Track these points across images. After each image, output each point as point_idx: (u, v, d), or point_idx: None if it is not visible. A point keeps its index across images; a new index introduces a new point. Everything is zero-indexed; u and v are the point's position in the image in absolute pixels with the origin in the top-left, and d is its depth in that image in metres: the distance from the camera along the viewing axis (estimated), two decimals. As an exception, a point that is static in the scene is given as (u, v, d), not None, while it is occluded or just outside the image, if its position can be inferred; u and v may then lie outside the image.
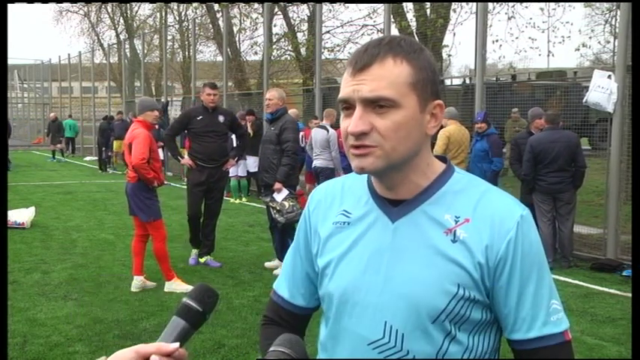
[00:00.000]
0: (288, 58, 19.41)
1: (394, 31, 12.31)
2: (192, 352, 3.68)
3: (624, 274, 6.76)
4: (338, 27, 16.99)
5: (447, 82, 15.05)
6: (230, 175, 12.55)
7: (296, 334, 1.38)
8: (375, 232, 1.27)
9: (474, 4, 9.61)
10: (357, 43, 16.61)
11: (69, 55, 29.05)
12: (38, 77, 37.15)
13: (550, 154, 7.07)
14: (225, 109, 7.58)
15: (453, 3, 13.10)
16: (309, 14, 17.64)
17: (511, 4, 12.90)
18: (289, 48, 19.08)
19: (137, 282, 6.07)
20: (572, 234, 7.35)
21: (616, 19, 10.94)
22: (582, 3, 13.44)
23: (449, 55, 13.73)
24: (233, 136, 11.95)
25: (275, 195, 6.52)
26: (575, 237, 7.62)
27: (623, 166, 7.27)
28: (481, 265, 1.19)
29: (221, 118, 7.00)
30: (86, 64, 28.78)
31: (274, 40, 18.40)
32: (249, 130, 11.69)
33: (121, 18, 32.33)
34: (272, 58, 16.72)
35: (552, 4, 12.59)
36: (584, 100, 7.43)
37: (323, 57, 13.01)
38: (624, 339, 4.83)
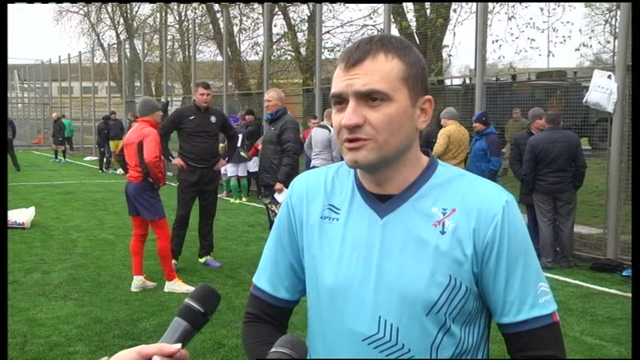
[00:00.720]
0: (288, 58, 19.43)
1: (394, 31, 12.31)
2: (192, 352, 3.67)
3: (624, 274, 6.76)
4: (338, 27, 17.02)
5: (447, 82, 15.06)
6: (230, 174, 12.58)
7: (280, 329, 1.41)
8: (363, 229, 1.28)
9: (474, 4, 9.61)
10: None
11: (69, 55, 29.06)
12: (38, 77, 37.14)
13: (550, 154, 7.07)
14: (216, 109, 7.48)
15: (453, 3, 13.11)
16: (309, 14, 17.65)
17: (511, 4, 12.91)
18: (289, 48, 19.09)
19: (137, 282, 6.07)
20: (572, 234, 7.35)
21: (616, 19, 10.94)
22: (582, 3, 13.42)
23: (449, 55, 13.76)
24: (240, 136, 12.01)
25: (276, 195, 6.52)
26: (575, 237, 7.61)
27: (623, 166, 7.27)
28: (470, 253, 1.21)
29: (213, 119, 6.95)
30: (86, 64, 28.77)
31: (274, 40, 18.41)
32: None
33: (121, 18, 32.36)
34: (272, 58, 16.73)
35: (552, 4, 12.59)
36: (584, 100, 7.43)
37: (323, 57, 13.00)
38: (624, 339, 4.83)
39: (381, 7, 12.09)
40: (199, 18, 21.79)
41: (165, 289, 6.03)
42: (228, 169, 12.52)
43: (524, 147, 7.39)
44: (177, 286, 6.07)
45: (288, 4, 18.04)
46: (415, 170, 1.29)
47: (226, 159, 7.56)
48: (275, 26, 18.81)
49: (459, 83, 15.87)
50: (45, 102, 35.80)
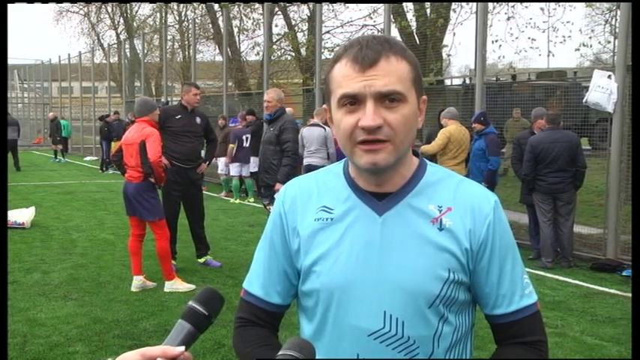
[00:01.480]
0: (288, 58, 19.42)
1: (394, 31, 12.32)
2: (192, 352, 3.67)
3: (624, 274, 6.76)
4: (338, 27, 17.02)
5: (447, 82, 15.05)
6: (233, 174, 12.54)
7: (273, 332, 1.43)
8: (362, 227, 1.30)
9: (474, 4, 9.61)
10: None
11: (69, 55, 29.05)
12: (38, 77, 37.12)
13: (550, 154, 7.07)
14: (201, 111, 7.41)
15: (453, 3, 13.10)
16: (309, 14, 17.65)
17: (511, 4, 12.90)
18: (289, 48, 19.09)
19: (137, 282, 6.07)
20: (572, 234, 7.35)
21: (616, 19, 10.94)
22: (583, 3, 13.41)
23: (449, 55, 13.75)
24: (245, 137, 11.99)
25: (276, 196, 6.51)
26: (575, 237, 7.62)
27: (623, 166, 7.27)
28: (467, 250, 1.28)
29: (198, 120, 6.94)
30: (86, 64, 28.76)
31: (274, 40, 18.41)
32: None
33: (121, 18, 32.35)
34: (272, 58, 16.72)
35: (552, 4, 12.58)
36: (584, 100, 7.43)
37: (323, 57, 12.99)
38: (624, 339, 4.83)
39: (381, 7, 12.09)
40: (199, 18, 21.80)
41: (166, 289, 6.03)
42: (231, 169, 12.48)
43: (525, 147, 7.38)
44: (178, 285, 6.08)
45: (288, 4, 18.05)
46: (410, 168, 1.34)
47: (207, 162, 7.49)
48: (275, 26, 18.82)
49: (459, 83, 15.86)
50: (45, 102, 35.79)
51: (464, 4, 12.87)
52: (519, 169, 7.57)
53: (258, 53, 18.18)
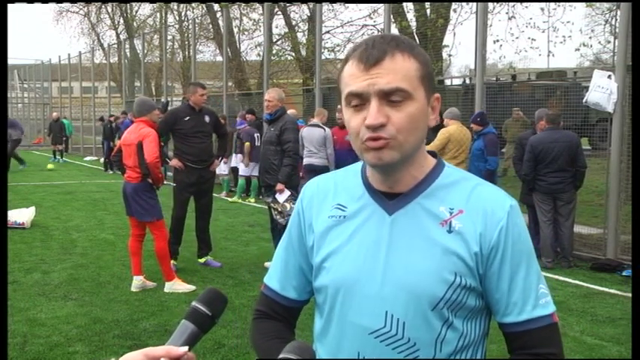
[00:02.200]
0: (288, 58, 19.41)
1: (394, 32, 12.31)
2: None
3: (624, 274, 6.76)
4: (338, 27, 17.00)
5: (447, 82, 15.06)
6: (242, 174, 12.50)
7: (288, 327, 1.45)
8: (372, 225, 1.31)
9: (474, 4, 9.61)
10: (357, 43, 16.59)
11: (69, 55, 29.05)
12: (38, 77, 37.12)
13: (550, 154, 7.07)
14: (209, 108, 7.41)
15: (453, 3, 13.10)
16: (309, 14, 17.64)
17: (511, 4, 12.90)
18: (289, 48, 19.08)
19: (137, 282, 6.07)
20: (572, 234, 7.34)
21: (616, 19, 10.94)
22: (583, 3, 13.41)
23: (449, 55, 13.74)
24: (256, 135, 11.97)
25: (277, 196, 6.51)
26: (575, 237, 7.61)
27: (623, 166, 7.27)
28: (476, 254, 1.26)
29: (207, 119, 6.93)
30: (86, 64, 28.76)
31: (274, 40, 18.40)
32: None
33: (121, 18, 32.31)
34: (272, 58, 16.72)
35: (553, 4, 12.58)
36: (584, 100, 7.43)
37: (323, 57, 13.00)
38: (624, 339, 4.83)
39: (381, 7, 12.09)
40: (199, 18, 21.79)
41: (166, 290, 6.02)
42: (240, 168, 12.42)
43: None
44: (177, 285, 6.07)
45: (288, 4, 18.03)
46: (423, 169, 1.32)
47: (220, 159, 7.50)
48: (276, 27, 18.81)
49: (459, 83, 15.87)
50: (45, 102, 35.79)
51: (464, 4, 12.87)
52: (520, 168, 7.57)
53: (258, 54, 18.20)
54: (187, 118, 6.81)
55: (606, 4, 14.32)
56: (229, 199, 12.65)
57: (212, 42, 21.23)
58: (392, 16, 11.33)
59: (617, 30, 8.29)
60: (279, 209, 6.47)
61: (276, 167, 6.55)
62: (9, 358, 4.34)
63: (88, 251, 7.87)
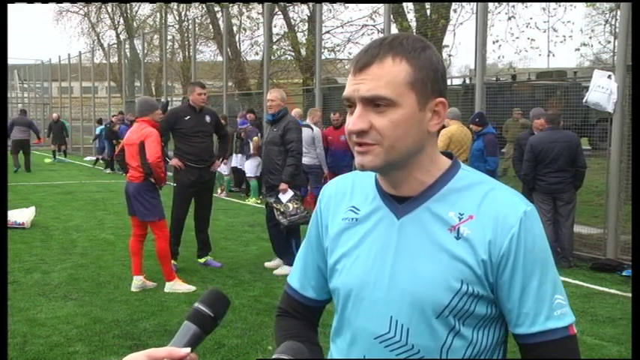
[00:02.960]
0: (288, 58, 19.41)
1: (394, 32, 12.30)
2: (192, 352, 3.65)
3: (624, 274, 6.76)
4: (338, 27, 17.00)
5: (447, 82, 15.01)
6: (249, 174, 12.45)
7: (308, 325, 1.47)
8: (381, 229, 1.30)
9: (474, 4, 9.61)
10: (357, 43, 16.59)
11: (69, 55, 29.03)
12: (38, 77, 37.10)
13: (550, 154, 7.07)
14: (209, 108, 7.41)
15: (454, 3, 13.10)
16: (309, 14, 17.64)
17: (511, 4, 12.89)
18: (289, 48, 19.08)
19: (137, 282, 6.07)
20: (572, 234, 7.35)
21: (616, 19, 10.94)
22: (583, 3, 13.41)
23: (449, 55, 13.73)
24: (257, 135, 11.91)
25: (280, 196, 6.52)
26: (575, 237, 7.61)
27: (623, 166, 7.27)
28: (484, 262, 1.21)
29: (207, 118, 6.94)
30: (86, 64, 28.76)
31: (274, 40, 18.40)
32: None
33: (121, 18, 32.31)
34: (272, 58, 16.72)
35: (553, 4, 12.58)
36: (584, 100, 7.43)
37: (323, 57, 13.00)
38: (624, 339, 4.83)
39: (381, 8, 12.08)
40: (199, 18, 21.79)
41: (166, 290, 6.02)
42: (247, 169, 12.35)
43: (525, 147, 7.38)
44: (177, 285, 6.07)
45: (288, 4, 18.03)
46: (431, 173, 1.28)
47: (221, 159, 7.50)
48: (275, 26, 18.80)
49: (459, 83, 15.87)
50: (45, 102, 35.78)
51: (464, 4, 12.86)
52: (519, 169, 7.57)
53: (257, 53, 18.21)
54: (188, 117, 6.81)
55: (606, 4, 14.32)
56: (248, 202, 12.45)
57: (212, 42, 21.24)
58: (392, 17, 11.33)
59: (617, 30, 8.29)
60: (282, 209, 6.47)
61: (279, 167, 6.56)
62: (9, 358, 4.34)
63: (88, 251, 7.86)
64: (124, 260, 7.14)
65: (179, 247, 6.98)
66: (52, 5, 35.51)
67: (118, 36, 31.91)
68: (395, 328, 1.25)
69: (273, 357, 1.07)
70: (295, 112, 9.25)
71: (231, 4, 17.78)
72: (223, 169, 12.81)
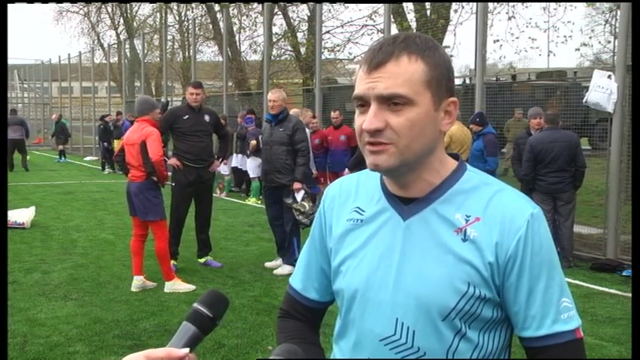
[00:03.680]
0: (288, 58, 19.42)
1: (394, 32, 12.30)
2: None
3: (624, 274, 6.76)
4: (338, 27, 16.99)
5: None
6: (253, 175, 12.43)
7: (310, 326, 1.46)
8: (387, 230, 1.29)
9: (474, 4, 9.61)
10: (357, 43, 16.60)
11: (69, 55, 29.03)
12: (38, 77, 37.11)
13: (550, 154, 7.07)
14: (209, 108, 7.42)
15: (454, 3, 13.10)
16: (309, 14, 17.64)
17: (511, 4, 12.89)
18: (289, 48, 19.08)
19: (137, 282, 6.07)
20: (572, 234, 7.35)
21: (616, 19, 10.93)
22: (583, 3, 13.41)
23: (450, 56, 13.72)
24: (260, 136, 11.86)
25: (296, 195, 6.58)
26: (575, 237, 7.61)
27: (623, 166, 7.27)
28: (491, 264, 1.21)
29: (207, 118, 6.94)
30: (86, 64, 28.76)
31: (274, 40, 18.40)
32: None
33: (121, 18, 32.29)
34: (272, 58, 16.72)
35: (553, 4, 12.57)
36: (584, 100, 7.43)
37: (323, 57, 13.00)
38: (624, 339, 4.83)
39: (381, 8, 12.08)
40: (199, 18, 21.78)
41: (166, 290, 6.02)
42: (249, 170, 12.31)
43: (523, 147, 7.39)
44: (178, 285, 6.07)
45: (288, 4, 18.03)
46: (440, 174, 1.27)
47: (220, 160, 7.51)
48: (275, 26, 18.80)
49: (459, 83, 15.82)
50: (45, 102, 35.78)
51: (464, 4, 12.86)
52: (518, 169, 7.57)
53: (255, 51, 18.20)
54: (186, 117, 6.81)
55: (607, 4, 14.32)
56: (248, 202, 12.43)
57: (212, 42, 21.24)
58: (392, 17, 11.32)
59: (617, 30, 8.29)
60: (301, 210, 6.50)
61: (288, 167, 6.61)
62: (9, 358, 4.34)
63: (88, 251, 7.86)
64: (124, 260, 7.14)
65: (179, 247, 6.98)
66: (52, 5, 35.52)
67: (118, 36, 31.91)
68: (401, 330, 1.24)
69: (270, 358, 1.07)
70: (294, 112, 9.25)
71: (231, 5, 17.77)
72: (223, 169, 12.80)
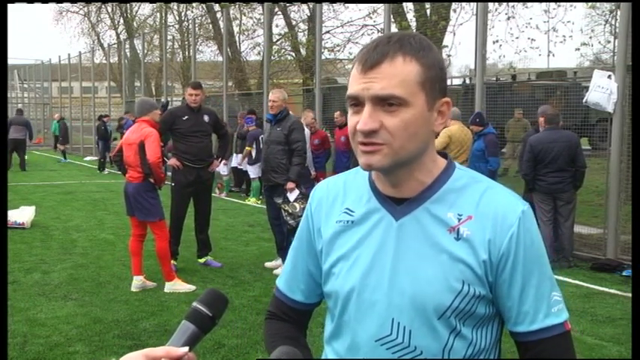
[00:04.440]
0: (288, 58, 19.42)
1: (394, 31, 12.28)
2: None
3: (624, 274, 6.76)
4: (338, 27, 17.01)
5: (447, 82, 15.01)
6: (253, 175, 12.42)
7: (298, 327, 1.46)
8: (379, 231, 1.29)
9: (474, 4, 9.61)
10: (357, 43, 16.60)
11: (69, 55, 29.03)
12: (38, 77, 37.10)
13: (550, 154, 7.06)
14: (208, 108, 7.42)
15: (453, 3, 13.10)
16: (309, 14, 17.65)
17: (511, 4, 12.89)
18: (289, 48, 19.09)
19: (137, 282, 6.07)
20: (572, 234, 7.34)
21: (616, 19, 10.94)
22: (583, 3, 13.41)
23: (449, 56, 13.72)
24: (261, 137, 11.84)
25: (288, 194, 6.56)
26: (575, 237, 7.61)
27: (623, 166, 7.27)
28: (485, 262, 1.22)
29: (206, 118, 6.94)
30: (86, 64, 28.75)
31: (274, 40, 18.40)
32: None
33: (121, 18, 32.31)
34: (272, 58, 16.72)
35: (553, 4, 12.58)
36: (584, 100, 7.43)
37: (323, 57, 13.00)
38: (624, 339, 4.83)
39: (381, 7, 12.08)
40: (199, 18, 21.79)
41: (166, 290, 6.02)
42: (250, 170, 12.29)
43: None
44: (178, 285, 6.07)
45: (288, 4, 18.04)
46: (431, 173, 1.28)
47: (220, 160, 7.51)
48: (276, 26, 18.81)
49: (459, 83, 15.86)
50: (45, 102, 35.78)
51: (464, 4, 12.86)
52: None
53: (259, 53, 18.20)
54: (186, 117, 6.82)
55: (607, 4, 14.32)
56: (248, 202, 12.42)
57: (212, 42, 21.24)
58: (392, 16, 11.32)
59: (617, 30, 8.30)
60: (290, 210, 6.49)
61: (284, 166, 6.60)
62: (9, 358, 4.34)
63: (88, 251, 7.86)
64: (124, 260, 7.14)
65: (179, 247, 6.98)
66: (52, 5, 35.57)
67: (118, 36, 31.93)
68: (397, 330, 1.24)
69: (270, 358, 1.07)
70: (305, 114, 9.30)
71: (231, 5, 17.77)
72: (222, 169, 12.80)
